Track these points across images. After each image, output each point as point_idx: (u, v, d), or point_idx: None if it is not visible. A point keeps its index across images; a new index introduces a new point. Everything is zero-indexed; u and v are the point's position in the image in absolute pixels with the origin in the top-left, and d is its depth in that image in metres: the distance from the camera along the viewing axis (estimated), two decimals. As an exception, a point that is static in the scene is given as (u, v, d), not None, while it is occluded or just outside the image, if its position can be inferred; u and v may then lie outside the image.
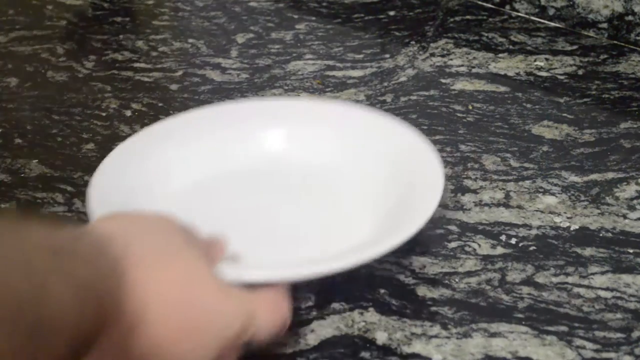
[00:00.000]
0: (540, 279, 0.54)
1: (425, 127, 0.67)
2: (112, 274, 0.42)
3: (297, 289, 0.53)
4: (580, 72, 0.74)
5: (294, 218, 0.58)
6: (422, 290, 0.53)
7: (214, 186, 0.61)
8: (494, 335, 0.50)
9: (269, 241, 0.56)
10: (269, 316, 0.47)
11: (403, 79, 0.74)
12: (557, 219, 0.58)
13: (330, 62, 0.77)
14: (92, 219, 0.52)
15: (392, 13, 0.84)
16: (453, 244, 0.57)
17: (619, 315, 0.51)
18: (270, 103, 0.67)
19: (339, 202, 0.59)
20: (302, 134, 0.64)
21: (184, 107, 0.69)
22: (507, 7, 0.83)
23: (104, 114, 0.71)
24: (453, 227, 0.58)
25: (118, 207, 0.53)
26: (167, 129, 0.63)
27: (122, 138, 0.67)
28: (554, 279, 0.54)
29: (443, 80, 0.73)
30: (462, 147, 0.65)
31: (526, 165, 0.64)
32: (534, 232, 0.57)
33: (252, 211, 0.59)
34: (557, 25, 0.81)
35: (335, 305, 0.52)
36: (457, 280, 0.54)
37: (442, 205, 0.58)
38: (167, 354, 0.45)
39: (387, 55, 0.77)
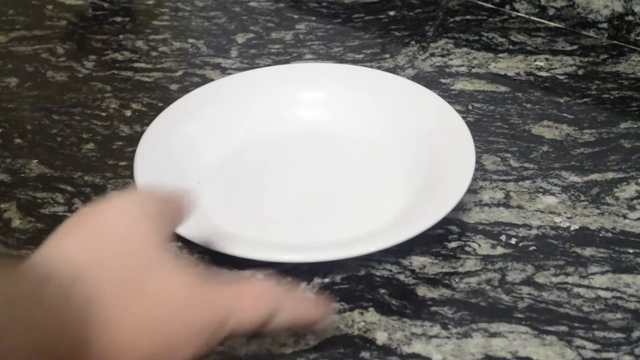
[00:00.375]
0: (540, 279, 0.54)
1: (425, 127, 0.67)
2: (78, 322, 0.40)
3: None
4: (580, 72, 0.74)
5: (326, 188, 0.61)
6: (422, 290, 0.53)
7: (252, 152, 0.64)
8: (494, 335, 0.50)
9: (299, 213, 0.59)
10: (249, 310, 0.45)
11: (403, 79, 0.74)
12: (557, 219, 0.58)
13: (331, 62, 0.77)
14: (139, 187, 0.55)
15: (392, 13, 0.84)
16: (453, 244, 0.57)
17: (619, 315, 0.51)
18: (310, 66, 0.70)
19: (372, 176, 0.61)
20: (340, 98, 0.67)
21: (184, 107, 0.69)
22: (507, 7, 0.83)
23: (104, 114, 0.71)
24: (453, 227, 0.58)
25: (162, 174, 0.57)
26: (206, 95, 0.67)
27: (122, 138, 0.67)
28: (554, 279, 0.54)
29: (443, 80, 0.73)
30: (462, 147, 0.65)
31: (526, 165, 0.64)
32: (534, 232, 0.57)
33: (286, 180, 0.62)
34: (557, 25, 0.81)
35: (335, 305, 0.52)
36: (457, 280, 0.54)
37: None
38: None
39: (387, 55, 0.77)
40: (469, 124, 0.61)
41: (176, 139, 0.62)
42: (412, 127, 0.63)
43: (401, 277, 0.54)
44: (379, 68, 0.72)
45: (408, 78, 0.71)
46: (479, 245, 0.56)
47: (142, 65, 0.77)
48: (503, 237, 0.57)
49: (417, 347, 0.49)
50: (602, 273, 0.54)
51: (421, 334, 0.50)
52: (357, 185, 0.61)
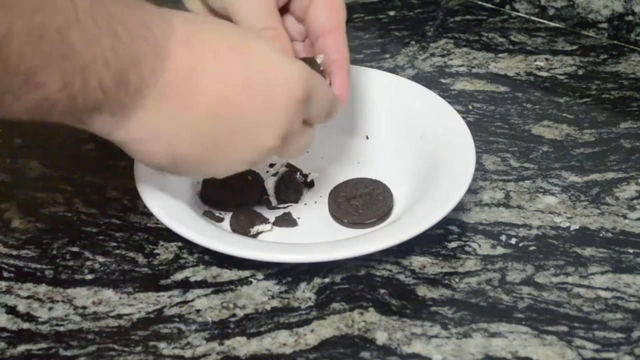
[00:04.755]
0: (540, 279, 0.54)
1: (425, 127, 0.67)
2: (162, 23, 0.44)
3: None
4: (580, 72, 0.74)
5: (326, 188, 0.60)
6: (422, 290, 0.53)
7: None
8: (494, 335, 0.50)
9: (299, 213, 0.59)
10: (326, 92, 0.51)
11: (403, 79, 0.74)
12: (557, 219, 0.58)
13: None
14: (139, 188, 0.56)
15: (392, 13, 0.84)
16: (453, 244, 0.57)
17: (619, 315, 0.51)
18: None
19: (372, 176, 0.61)
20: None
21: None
22: (507, 7, 0.83)
23: (104, 114, 0.71)
24: (453, 227, 0.58)
25: (163, 174, 0.56)
26: None
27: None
28: (554, 279, 0.54)
29: (443, 80, 0.73)
30: (462, 147, 0.65)
31: (526, 165, 0.64)
32: (534, 232, 0.57)
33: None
34: (557, 25, 0.81)
35: (335, 305, 0.52)
36: (457, 280, 0.54)
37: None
38: (233, 115, 0.46)
39: (387, 55, 0.77)
40: (469, 124, 0.61)
41: None
42: (412, 127, 0.63)
43: (401, 277, 0.54)
44: (379, 68, 0.72)
45: (408, 78, 0.70)
46: (479, 245, 0.56)
47: (142, 65, 0.77)
48: (503, 237, 0.57)
49: (417, 347, 0.49)
50: (602, 273, 0.54)
51: (421, 334, 0.50)
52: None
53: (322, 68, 0.55)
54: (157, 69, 0.43)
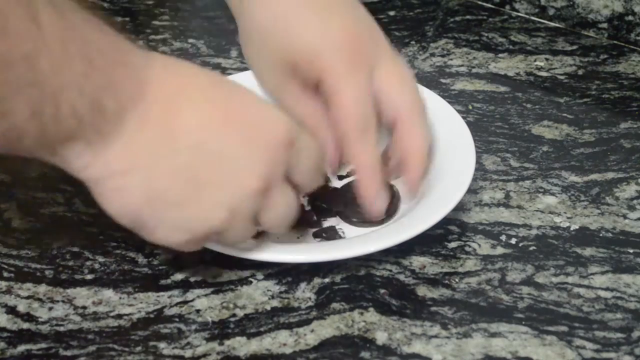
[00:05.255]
0: (540, 279, 0.54)
1: (425, 127, 0.67)
2: (140, 52, 0.43)
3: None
4: (580, 72, 0.74)
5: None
6: (422, 290, 0.53)
7: None
8: (494, 335, 0.50)
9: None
10: (312, 146, 0.48)
11: (403, 79, 0.74)
12: (557, 219, 0.58)
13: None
14: None
15: (392, 13, 0.84)
16: (453, 244, 0.57)
17: (619, 315, 0.51)
18: None
19: None
20: None
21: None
22: (507, 7, 0.83)
23: (104, 114, 0.71)
24: (453, 227, 0.58)
25: None
26: None
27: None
28: (554, 279, 0.54)
29: (443, 80, 0.73)
30: (462, 147, 0.65)
31: (526, 165, 0.64)
32: (534, 232, 0.57)
33: None
34: (557, 25, 0.81)
35: (335, 305, 0.52)
36: (457, 280, 0.54)
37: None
38: (214, 148, 0.44)
39: (387, 55, 0.77)
40: (469, 124, 0.61)
41: None
42: None
43: (401, 277, 0.54)
44: (379, 68, 0.72)
45: (408, 78, 0.70)
46: (479, 245, 0.56)
47: (142, 65, 0.77)
48: (503, 237, 0.57)
49: (417, 347, 0.49)
50: (602, 273, 0.54)
51: (421, 334, 0.50)
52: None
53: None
54: (136, 94, 0.41)
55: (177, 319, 0.51)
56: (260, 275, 0.54)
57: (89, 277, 0.54)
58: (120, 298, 0.53)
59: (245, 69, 0.76)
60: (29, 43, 0.37)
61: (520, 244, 0.57)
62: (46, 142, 0.41)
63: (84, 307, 0.52)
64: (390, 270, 0.55)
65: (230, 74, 0.75)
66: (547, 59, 0.76)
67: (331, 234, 0.56)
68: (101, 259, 0.55)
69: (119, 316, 0.51)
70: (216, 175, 0.44)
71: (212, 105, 0.44)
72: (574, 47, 0.78)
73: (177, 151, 0.43)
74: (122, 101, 0.41)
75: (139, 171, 0.43)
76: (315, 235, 0.57)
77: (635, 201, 0.60)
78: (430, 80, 0.73)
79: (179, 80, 0.44)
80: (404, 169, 0.54)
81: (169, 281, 0.54)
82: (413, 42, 0.78)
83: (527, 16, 0.82)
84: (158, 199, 0.44)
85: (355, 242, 0.54)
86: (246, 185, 0.45)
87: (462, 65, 0.75)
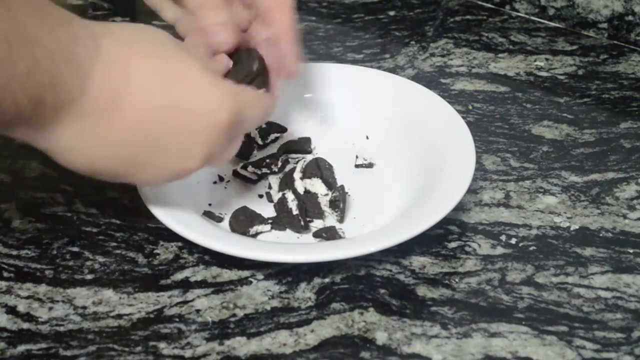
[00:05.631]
0: (540, 279, 0.54)
1: (425, 127, 0.67)
2: (88, 43, 0.44)
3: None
4: (580, 72, 0.74)
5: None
6: (422, 290, 0.53)
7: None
8: (494, 335, 0.50)
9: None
10: (258, 109, 0.51)
11: (403, 79, 0.74)
12: (557, 219, 0.58)
13: (331, 62, 0.77)
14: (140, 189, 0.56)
15: (392, 13, 0.84)
16: (453, 244, 0.57)
17: (619, 315, 0.51)
18: (310, 66, 0.69)
19: (372, 176, 0.62)
20: (340, 98, 0.67)
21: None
22: (507, 7, 0.83)
23: (104, 114, 0.71)
24: (453, 227, 0.58)
25: None
26: None
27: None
28: (554, 279, 0.54)
29: (443, 80, 0.73)
30: (462, 147, 0.65)
31: (526, 165, 0.64)
32: (534, 232, 0.57)
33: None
34: (557, 25, 0.81)
35: (335, 305, 0.52)
36: (457, 280, 0.54)
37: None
38: (153, 136, 0.46)
39: (387, 55, 0.77)
40: (469, 124, 0.61)
41: None
42: (412, 127, 0.63)
43: (401, 277, 0.54)
44: (379, 68, 0.72)
45: (408, 78, 0.71)
46: (479, 245, 0.56)
47: (142, 65, 0.77)
48: (503, 237, 0.57)
49: (417, 347, 0.49)
50: (602, 273, 0.54)
51: (421, 334, 0.50)
52: (357, 185, 0.61)
53: (259, 59, 0.55)
54: (76, 90, 0.43)
55: (177, 319, 0.51)
56: (260, 275, 0.54)
57: (89, 277, 0.54)
58: (120, 298, 0.53)
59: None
60: None
61: (520, 244, 0.57)
62: None
63: (84, 307, 0.52)
64: (390, 270, 0.55)
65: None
66: (547, 59, 0.76)
67: (331, 234, 0.56)
68: (101, 259, 0.55)
69: (119, 316, 0.51)
70: (154, 160, 0.48)
71: (152, 97, 0.46)
72: (574, 47, 0.78)
73: (115, 141, 0.46)
74: (62, 96, 0.43)
75: (79, 151, 0.46)
76: (315, 235, 0.57)
77: (635, 201, 0.60)
78: (430, 80, 0.73)
79: (121, 76, 0.45)
80: (277, 44, 0.56)
81: (169, 281, 0.54)
82: (413, 42, 0.78)
83: (527, 16, 0.82)
84: (99, 172, 0.48)
85: (355, 242, 0.54)
86: (185, 167, 0.49)
87: (462, 65, 0.75)
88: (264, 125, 0.64)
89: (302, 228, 0.57)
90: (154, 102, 0.46)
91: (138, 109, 0.45)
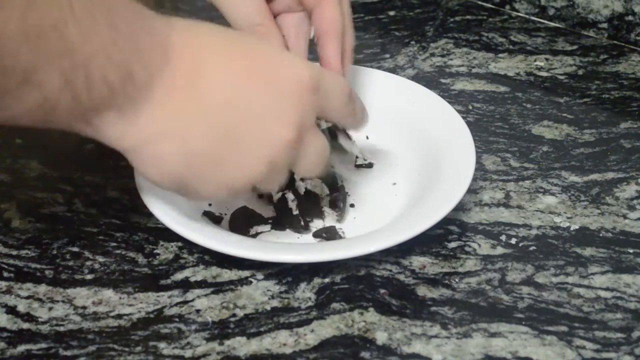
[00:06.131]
0: (540, 279, 0.54)
1: (425, 127, 0.67)
2: (160, 18, 0.44)
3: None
4: (580, 72, 0.74)
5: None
6: (422, 290, 0.53)
7: None
8: (494, 335, 0.50)
9: None
10: (338, 83, 0.49)
11: (403, 79, 0.74)
12: (557, 219, 0.58)
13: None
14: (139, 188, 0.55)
15: (392, 13, 0.84)
16: (453, 244, 0.57)
17: (619, 315, 0.51)
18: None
19: (372, 176, 0.62)
20: None
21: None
22: (507, 7, 0.83)
23: (104, 114, 0.71)
24: (453, 227, 0.58)
25: None
26: None
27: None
28: (554, 279, 0.54)
29: (443, 80, 0.73)
30: (462, 147, 0.65)
31: (526, 165, 0.64)
32: (534, 232, 0.57)
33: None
34: (557, 25, 0.81)
35: (335, 305, 0.52)
36: (457, 280, 0.54)
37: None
38: (243, 99, 0.45)
39: (387, 55, 0.77)
40: (469, 124, 0.61)
41: None
42: (412, 127, 0.63)
43: (401, 277, 0.54)
44: (379, 68, 0.72)
45: (408, 78, 0.71)
46: (479, 245, 0.56)
47: (142, 65, 0.77)
48: (503, 237, 0.57)
49: (417, 347, 0.49)
50: (602, 273, 0.54)
51: (421, 334, 0.50)
52: (357, 185, 0.61)
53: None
54: (161, 60, 0.43)
55: (177, 319, 0.51)
56: (260, 275, 0.54)
57: (89, 277, 0.54)
58: (120, 298, 0.53)
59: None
60: (56, 13, 0.38)
61: (520, 244, 0.57)
62: (79, 112, 0.42)
63: (84, 307, 0.52)
64: (390, 270, 0.55)
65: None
66: (547, 59, 0.76)
67: (331, 234, 0.56)
68: (101, 259, 0.55)
69: (119, 316, 0.51)
70: (249, 131, 0.45)
71: (233, 62, 0.45)
72: (574, 47, 0.78)
73: (207, 111, 0.44)
74: (149, 67, 0.42)
75: (173, 136, 0.44)
76: (315, 235, 0.57)
77: (635, 201, 0.60)
78: (430, 80, 0.73)
79: (198, 42, 0.45)
80: (321, 43, 0.55)
81: (169, 281, 0.54)
82: (413, 42, 0.78)
83: (527, 16, 0.82)
84: (196, 160, 0.45)
85: (355, 242, 0.54)
86: (280, 137, 0.46)
87: (462, 65, 0.75)
88: None
89: (302, 228, 0.57)
90: (235, 67, 0.45)
91: (221, 74, 0.44)
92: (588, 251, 0.56)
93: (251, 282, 0.54)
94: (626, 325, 0.51)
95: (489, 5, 0.84)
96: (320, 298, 0.53)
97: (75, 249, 0.56)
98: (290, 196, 0.57)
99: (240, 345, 0.50)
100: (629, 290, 0.53)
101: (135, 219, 0.58)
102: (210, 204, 0.59)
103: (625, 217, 0.59)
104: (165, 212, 0.54)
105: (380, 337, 0.50)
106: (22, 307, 0.52)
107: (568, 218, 0.59)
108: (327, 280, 0.54)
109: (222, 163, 0.46)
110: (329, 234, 0.56)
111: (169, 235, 0.55)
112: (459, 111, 0.63)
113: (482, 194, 0.61)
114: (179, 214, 0.54)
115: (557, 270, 0.55)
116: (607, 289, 0.53)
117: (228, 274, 0.54)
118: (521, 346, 0.49)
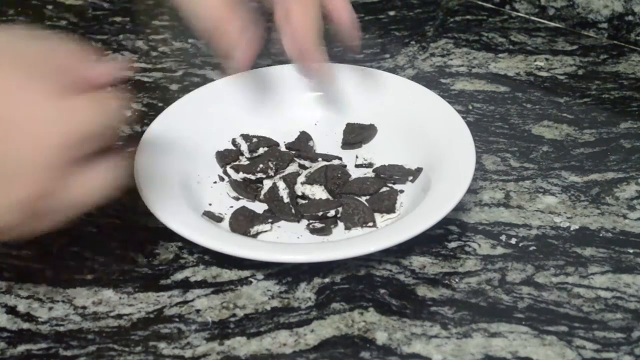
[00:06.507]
0: (540, 279, 0.54)
1: (425, 127, 0.67)
2: None
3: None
4: (580, 72, 0.74)
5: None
6: (422, 290, 0.53)
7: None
8: (494, 335, 0.50)
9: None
10: (94, 115, 0.46)
11: (403, 79, 0.74)
12: (557, 219, 0.58)
13: (331, 62, 0.77)
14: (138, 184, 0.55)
15: (392, 13, 0.84)
16: (453, 244, 0.57)
17: (619, 315, 0.51)
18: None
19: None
20: (340, 98, 0.67)
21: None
22: (507, 7, 0.83)
23: (104, 114, 0.71)
24: (453, 227, 0.58)
25: (163, 174, 0.58)
26: (206, 95, 0.66)
27: (122, 138, 0.67)
28: (554, 279, 0.54)
29: (443, 80, 0.73)
30: (462, 147, 0.65)
31: (526, 165, 0.64)
32: (534, 232, 0.57)
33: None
34: (557, 25, 0.81)
35: (335, 305, 0.52)
36: (457, 280, 0.54)
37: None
38: None
39: (387, 55, 0.77)
40: (469, 124, 0.61)
41: (176, 139, 0.62)
42: (412, 127, 0.63)
43: (401, 277, 0.54)
44: (379, 68, 0.72)
45: (408, 78, 0.71)
46: (479, 245, 0.56)
47: (142, 65, 0.77)
48: (503, 237, 0.57)
49: (417, 347, 0.49)
50: (602, 273, 0.54)
51: (421, 334, 0.50)
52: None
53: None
54: None
55: (177, 319, 0.51)
56: (260, 275, 0.54)
57: (89, 277, 0.54)
58: (120, 298, 0.53)
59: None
60: None
61: (520, 244, 0.57)
62: None
63: (84, 307, 0.52)
64: (390, 270, 0.55)
65: (230, 74, 0.75)
66: (547, 59, 0.76)
67: (326, 224, 0.56)
68: (101, 259, 0.56)
69: (119, 316, 0.51)
70: None
71: None
72: (574, 47, 0.78)
73: None
74: None
75: None
76: (309, 222, 0.57)
77: (635, 201, 0.60)
78: (430, 80, 0.73)
79: None
80: (335, 20, 0.60)
81: (169, 281, 0.54)
82: (413, 42, 0.78)
83: (527, 16, 0.82)
84: None
85: (355, 242, 0.54)
86: (21, 194, 0.44)
87: (462, 65, 0.75)
88: (254, 140, 0.63)
89: (294, 216, 0.57)
90: None
91: None
92: (588, 251, 0.56)
93: (251, 282, 0.54)
94: (626, 325, 0.51)
95: (489, 5, 0.84)
96: (320, 298, 0.53)
97: (75, 249, 0.56)
98: (281, 184, 0.57)
99: (240, 345, 0.50)
100: (629, 290, 0.53)
101: (135, 219, 0.58)
102: (210, 204, 0.59)
103: (625, 217, 0.59)
104: (165, 212, 0.54)
105: (380, 337, 0.50)
106: (22, 307, 0.52)
107: (568, 218, 0.59)
108: (327, 280, 0.54)
109: None
110: (325, 230, 0.56)
111: (169, 235, 0.55)
112: (459, 111, 0.63)
113: (482, 194, 0.61)
114: (179, 214, 0.54)
115: (557, 270, 0.55)
116: (607, 289, 0.53)
117: (228, 274, 0.54)
118: (521, 346, 0.49)
